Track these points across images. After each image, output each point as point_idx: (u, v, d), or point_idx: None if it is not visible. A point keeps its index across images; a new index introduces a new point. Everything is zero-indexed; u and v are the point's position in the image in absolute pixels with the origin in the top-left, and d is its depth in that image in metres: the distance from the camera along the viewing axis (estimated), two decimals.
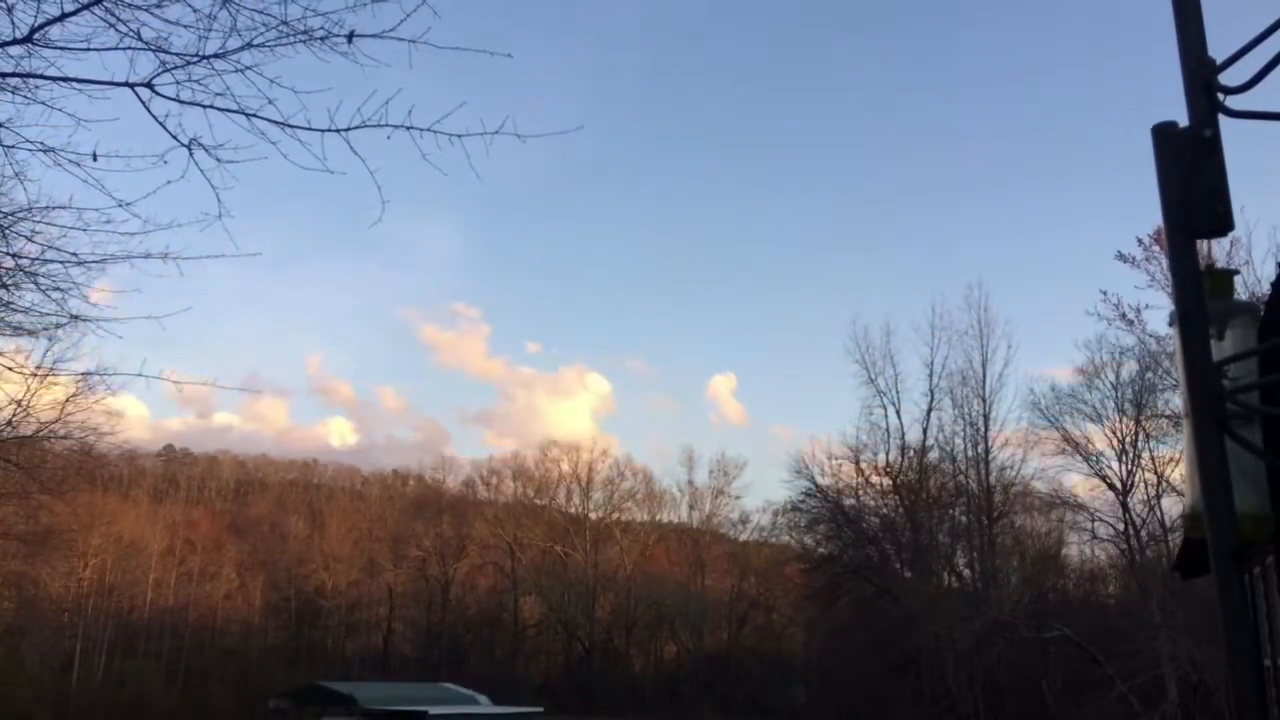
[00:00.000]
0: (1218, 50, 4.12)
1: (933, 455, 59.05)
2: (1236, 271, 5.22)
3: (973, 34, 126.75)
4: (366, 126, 6.13)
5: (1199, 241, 4.33)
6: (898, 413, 59.90)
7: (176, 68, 6.18)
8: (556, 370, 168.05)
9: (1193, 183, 4.05)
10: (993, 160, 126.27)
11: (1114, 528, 48.84)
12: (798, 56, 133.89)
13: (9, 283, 8.69)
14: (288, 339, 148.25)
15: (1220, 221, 4.06)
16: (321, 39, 6.08)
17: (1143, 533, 47.30)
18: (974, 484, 57.66)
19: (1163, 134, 4.14)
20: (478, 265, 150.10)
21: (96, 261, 7.98)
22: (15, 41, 6.20)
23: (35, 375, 14.19)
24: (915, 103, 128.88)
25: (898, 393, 60.19)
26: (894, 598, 52.62)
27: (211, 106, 6.23)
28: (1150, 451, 46.86)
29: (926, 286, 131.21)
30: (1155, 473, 46.69)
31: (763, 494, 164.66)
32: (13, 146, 6.88)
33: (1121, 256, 37.02)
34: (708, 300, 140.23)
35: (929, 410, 59.09)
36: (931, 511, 57.84)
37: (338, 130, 6.19)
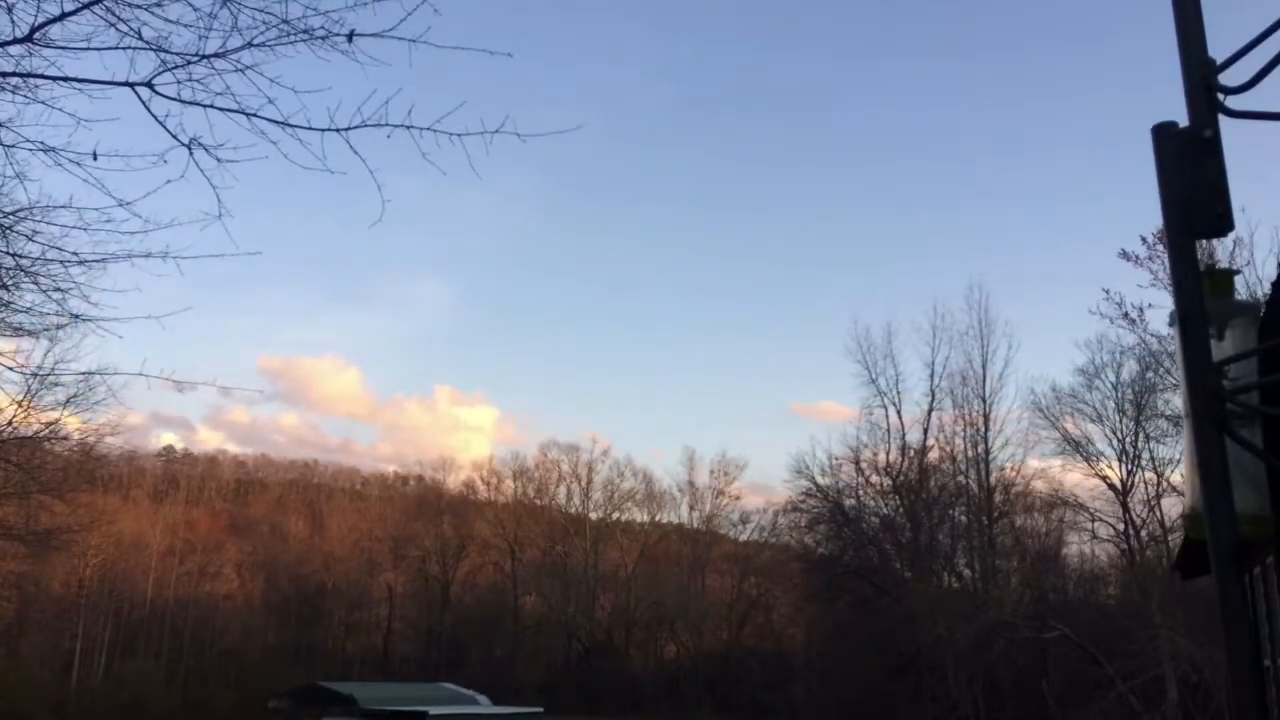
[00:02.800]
0: (1218, 50, 4.12)
1: (933, 455, 59.15)
2: (1237, 271, 5.24)
3: (974, 31, 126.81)
4: (366, 126, 6.13)
5: (1203, 241, 4.33)
6: (899, 413, 60.01)
7: (177, 67, 6.18)
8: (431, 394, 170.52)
9: (1193, 183, 4.05)
10: (994, 159, 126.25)
11: (1114, 528, 48.89)
12: (799, 75, 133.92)
13: (9, 283, 8.68)
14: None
15: (1220, 222, 4.07)
16: (322, 38, 6.07)
17: (1143, 533, 47.33)
18: (974, 484, 57.71)
19: (1163, 134, 4.14)
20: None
21: (97, 261, 7.97)
22: (15, 41, 6.20)
23: (36, 376, 14.21)
24: (914, 103, 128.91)
25: (899, 393, 60.30)
26: (894, 598, 52.60)
27: (212, 106, 6.23)
28: (1150, 452, 46.92)
29: (927, 286, 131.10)
30: (1155, 473, 46.74)
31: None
32: (13, 146, 6.89)
33: (1125, 255, 36.81)
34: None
35: (929, 410, 59.21)
36: (931, 511, 57.83)
37: (338, 130, 6.19)
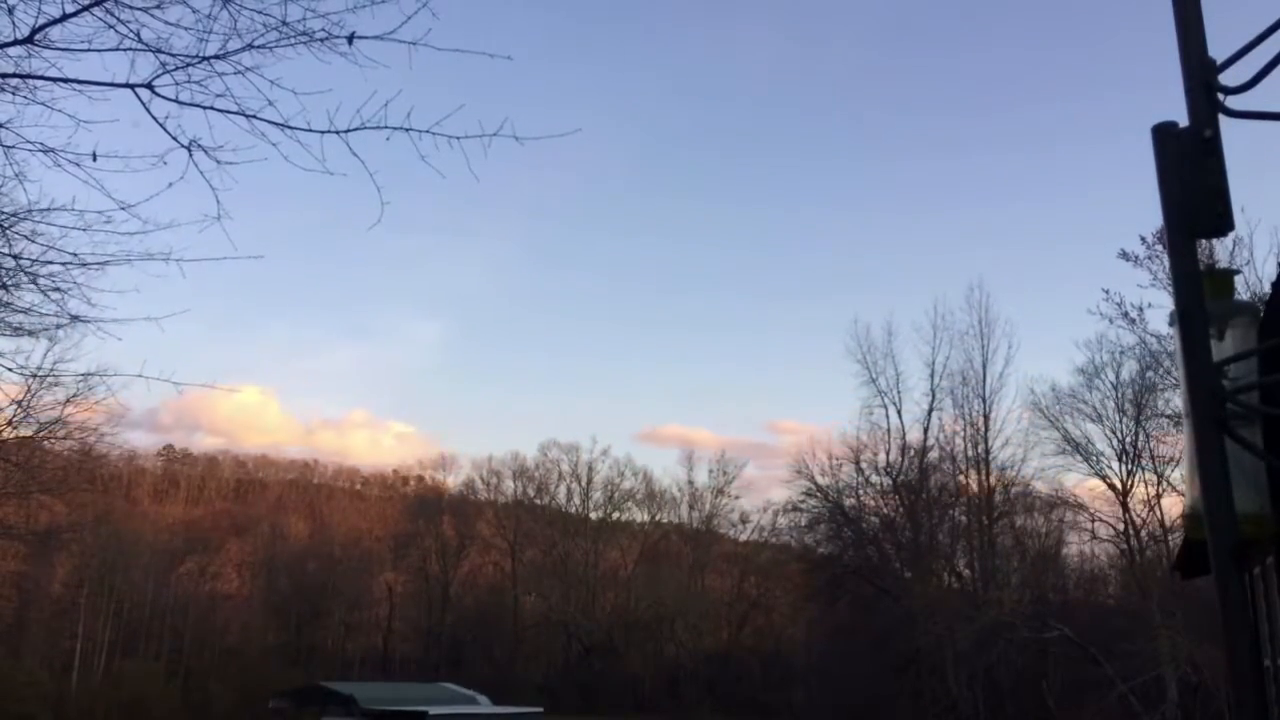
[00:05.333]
0: (1218, 50, 4.13)
1: (933, 455, 59.09)
2: (1237, 271, 5.24)
3: (974, 31, 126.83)
4: (366, 128, 6.13)
5: (1202, 241, 4.34)
6: (899, 413, 59.91)
7: (176, 69, 6.18)
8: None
9: (1193, 183, 4.05)
10: (994, 159, 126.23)
11: (1114, 528, 48.88)
12: (800, 70, 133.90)
13: (9, 283, 8.67)
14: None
15: (1220, 221, 4.07)
16: (322, 40, 6.07)
17: (1143, 533, 47.32)
18: (974, 484, 57.68)
19: (1163, 134, 4.14)
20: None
21: (97, 262, 7.97)
22: (16, 42, 6.20)
23: (35, 376, 14.21)
24: (916, 101, 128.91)
25: (899, 393, 60.21)
26: (894, 598, 52.61)
27: (211, 108, 6.23)
28: (1150, 451, 46.89)
29: (928, 286, 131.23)
30: (1155, 473, 46.74)
31: None
32: (13, 147, 6.88)
33: (1125, 255, 36.79)
34: None
35: (930, 410, 59.11)
36: (931, 511, 57.80)
37: (337, 132, 6.18)
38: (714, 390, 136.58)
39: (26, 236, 7.89)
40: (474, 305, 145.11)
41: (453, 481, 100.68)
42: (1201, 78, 4.09)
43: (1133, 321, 38.97)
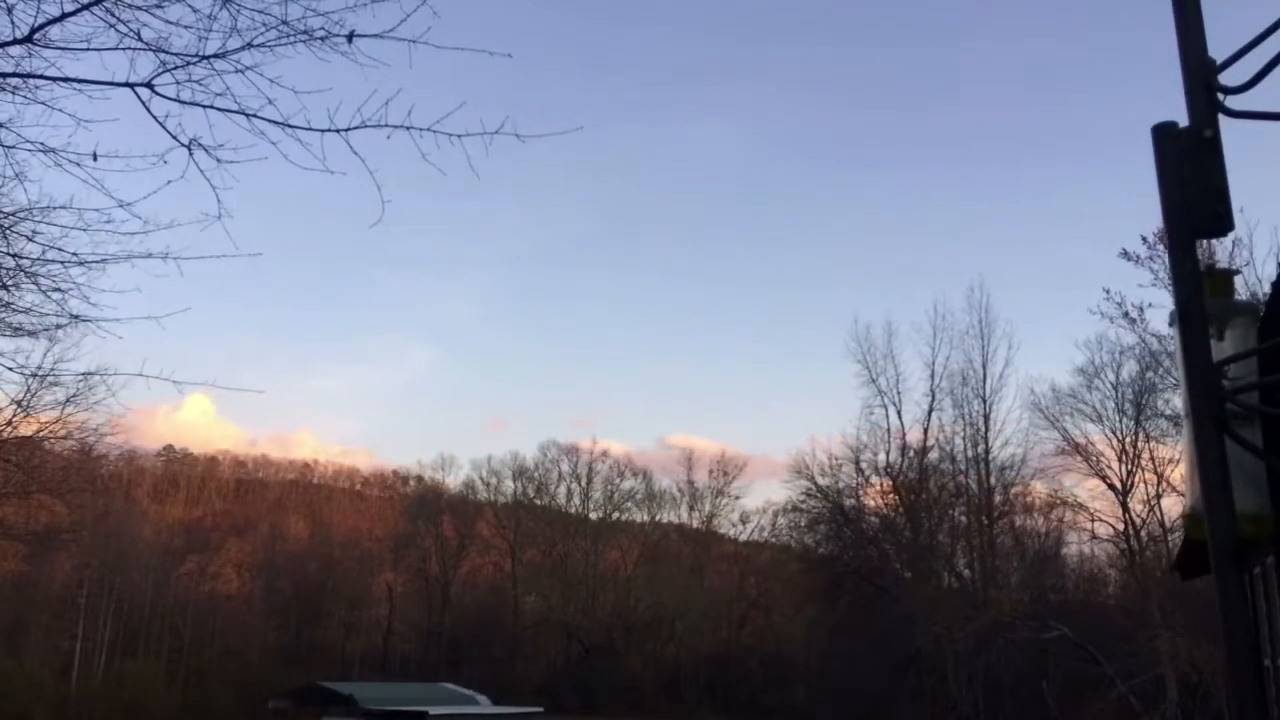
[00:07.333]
0: (1218, 50, 4.13)
1: (933, 455, 59.09)
2: (1237, 271, 5.24)
3: (977, 28, 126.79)
4: (366, 127, 6.11)
5: (1201, 241, 4.34)
6: (899, 413, 59.93)
7: (176, 68, 6.17)
8: None
9: (1193, 183, 4.05)
10: (994, 159, 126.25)
11: (1114, 528, 48.86)
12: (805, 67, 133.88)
13: (9, 283, 8.67)
14: None
15: (1220, 221, 4.07)
16: (322, 39, 6.06)
17: (1143, 533, 47.30)
18: (974, 484, 57.66)
19: (1163, 134, 4.14)
20: None
21: (97, 261, 7.95)
22: (15, 41, 6.20)
23: (35, 376, 14.22)
24: (917, 102, 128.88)
25: (899, 393, 60.23)
26: (894, 598, 52.59)
27: (211, 107, 6.22)
28: (1150, 452, 46.89)
29: (928, 286, 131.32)
30: (1155, 473, 46.73)
31: None
32: (13, 147, 6.88)
33: (1126, 254, 36.71)
34: None
35: (930, 410, 59.14)
36: (931, 511, 57.80)
37: (338, 130, 6.17)
38: (615, 401, 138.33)
39: (26, 236, 7.88)
40: (456, 336, 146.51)
41: (452, 481, 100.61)
42: (1201, 78, 4.09)
43: (1133, 321, 38.94)
